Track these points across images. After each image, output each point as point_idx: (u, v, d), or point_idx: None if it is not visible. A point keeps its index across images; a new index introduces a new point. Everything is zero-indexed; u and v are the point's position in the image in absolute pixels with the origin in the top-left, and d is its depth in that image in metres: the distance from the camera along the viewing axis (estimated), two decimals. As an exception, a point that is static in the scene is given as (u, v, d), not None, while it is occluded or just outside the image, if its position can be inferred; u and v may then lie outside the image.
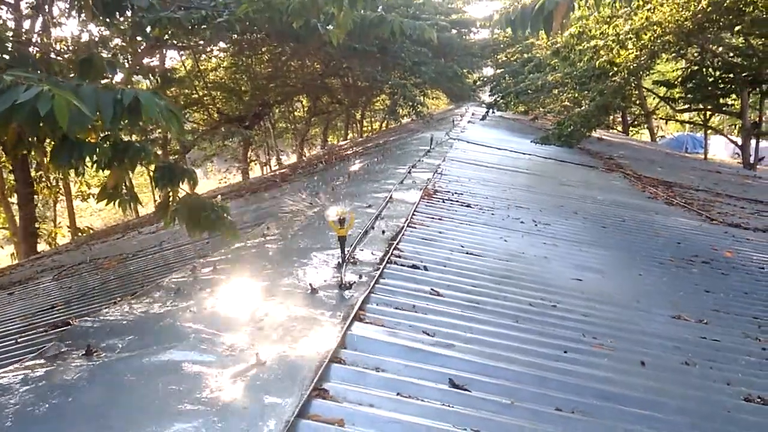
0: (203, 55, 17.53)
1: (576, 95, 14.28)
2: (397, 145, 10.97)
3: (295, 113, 27.00)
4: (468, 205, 5.13)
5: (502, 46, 21.25)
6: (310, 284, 2.80)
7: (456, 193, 5.59)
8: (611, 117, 23.87)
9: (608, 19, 10.71)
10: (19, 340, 2.92)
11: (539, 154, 10.67)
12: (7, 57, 3.09)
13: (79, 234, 15.99)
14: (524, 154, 10.26)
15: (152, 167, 3.13)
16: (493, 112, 15.22)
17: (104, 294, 3.76)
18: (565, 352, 2.46)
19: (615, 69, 11.51)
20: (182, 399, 1.77)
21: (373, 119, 31.66)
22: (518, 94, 14.00)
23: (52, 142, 2.62)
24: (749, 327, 3.08)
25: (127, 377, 1.94)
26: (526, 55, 16.49)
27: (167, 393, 1.80)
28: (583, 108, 12.09)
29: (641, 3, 9.78)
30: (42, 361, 2.19)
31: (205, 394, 1.80)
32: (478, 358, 2.27)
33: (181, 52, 16.74)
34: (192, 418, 1.65)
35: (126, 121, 2.22)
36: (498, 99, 14.94)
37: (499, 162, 8.64)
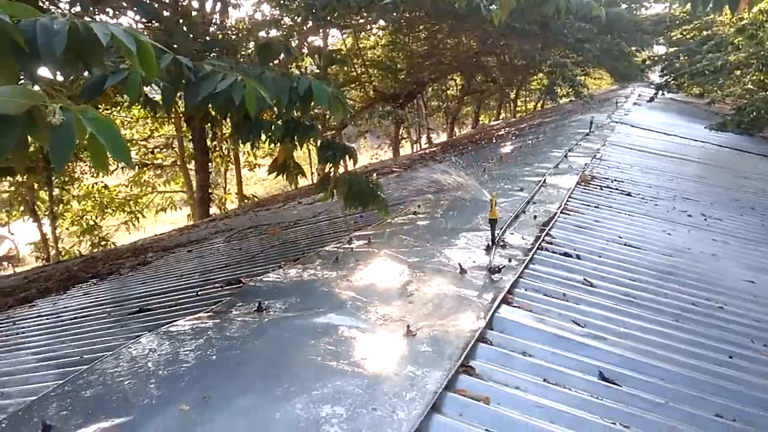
0: (363, 34, 18.11)
1: (762, 78, 12.76)
2: (554, 127, 10.59)
3: (448, 92, 27.00)
4: (628, 194, 4.85)
5: (677, 22, 19.50)
6: (459, 264, 2.85)
7: (615, 180, 5.31)
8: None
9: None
10: (199, 293, 3.30)
11: (713, 141, 9.75)
12: (201, 41, 3.45)
13: (245, 201, 17.45)
14: (696, 141, 9.43)
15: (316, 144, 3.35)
16: (662, 94, 14.14)
17: (270, 258, 4.10)
18: (731, 357, 2.29)
19: (813, 49, 10.12)
20: (339, 359, 1.91)
21: (528, 99, 30.77)
22: (693, 75, 12.83)
23: (232, 120, 2.89)
24: None
25: (292, 334, 2.13)
26: (705, 33, 15.02)
27: (326, 352, 1.96)
28: (769, 92, 10.79)
29: None
30: (219, 313, 2.47)
31: (360, 358, 1.93)
32: (632, 354, 2.19)
33: (343, 31, 17.42)
34: (348, 378, 1.79)
35: (298, 105, 2.41)
36: (669, 80, 13.83)
37: (666, 149, 8.03)
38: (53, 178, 14.82)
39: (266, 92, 2.21)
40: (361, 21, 12.87)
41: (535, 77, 23.18)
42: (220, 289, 3.29)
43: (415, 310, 2.36)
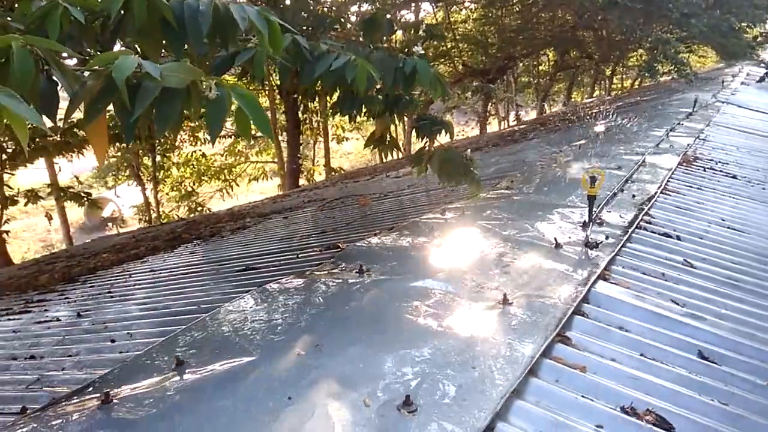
0: (454, 7, 17.88)
1: None
2: (653, 106, 10.13)
3: (540, 67, 26.24)
4: (733, 176, 4.64)
5: None
6: (555, 239, 2.87)
7: (720, 162, 5.08)
8: None
9: None
10: (299, 255, 3.50)
11: (833, 124, 9.01)
12: (309, 18, 3.59)
13: (333, 173, 17.87)
14: (812, 123, 8.76)
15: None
16: (775, 73, 13.15)
17: (363, 226, 4.26)
18: (840, 346, 2.20)
19: None
20: (438, 321, 2.01)
21: (624, 76, 29.38)
22: (812, 52, 11.85)
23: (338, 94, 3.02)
24: None
25: (392, 295, 2.26)
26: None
27: (426, 314, 2.07)
28: None
29: None
30: (322, 273, 2.64)
31: (458, 321, 2.02)
32: (732, 335, 2.16)
33: (435, 4, 17.28)
34: (447, 339, 1.89)
35: (402, 84, 2.50)
36: (784, 58, 12.83)
37: (776, 131, 7.53)
38: (156, 146, 15.81)
39: (375, 71, 2.31)
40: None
41: (634, 53, 22.08)
42: (319, 252, 3.47)
43: (511, 280, 2.42)
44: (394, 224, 3.83)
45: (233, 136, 17.71)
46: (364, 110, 3.13)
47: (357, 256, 2.86)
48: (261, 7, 1.78)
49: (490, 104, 23.96)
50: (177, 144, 16.97)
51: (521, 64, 23.92)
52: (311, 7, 3.85)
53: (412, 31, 5.53)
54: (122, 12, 1.63)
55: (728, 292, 2.60)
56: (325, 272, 2.60)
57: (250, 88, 16.47)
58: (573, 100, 27.46)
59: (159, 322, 2.89)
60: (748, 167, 5.12)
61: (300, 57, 2.35)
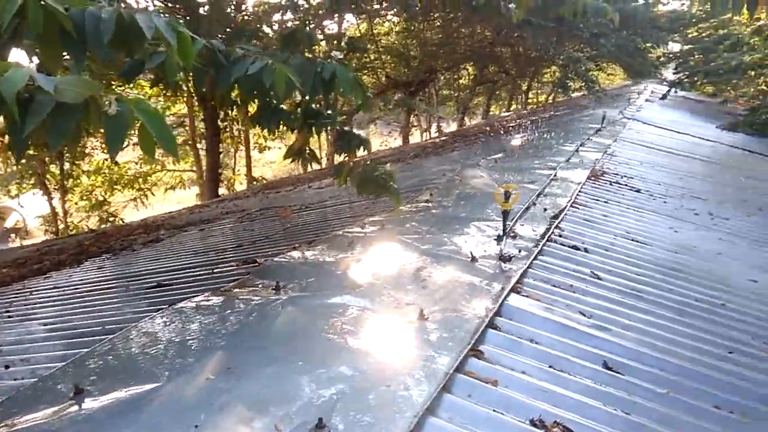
0: (377, 19, 18.06)
1: (778, 79, 12.72)
2: (565, 121, 10.61)
3: (460, 81, 26.93)
4: (638, 190, 4.91)
5: (693, 20, 19.35)
6: (470, 253, 2.93)
7: (625, 176, 5.37)
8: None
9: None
10: (214, 271, 3.39)
11: (724, 141, 9.76)
12: (227, 29, 3.51)
13: (254, 183, 17.55)
14: (707, 140, 9.44)
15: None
16: (675, 92, 14.11)
17: (283, 239, 4.19)
18: (731, 352, 2.36)
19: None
20: (355, 338, 2.00)
21: (540, 91, 30.63)
22: (708, 73, 12.83)
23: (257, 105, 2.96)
24: None
25: (309, 313, 2.22)
26: (721, 32, 14.92)
27: (342, 331, 2.05)
28: (784, 93, 10.76)
29: None
30: (238, 290, 2.56)
31: (374, 338, 2.01)
32: (636, 346, 2.27)
33: (358, 16, 17.38)
34: (362, 356, 1.87)
35: (321, 91, 2.48)
36: (683, 78, 13.79)
37: (676, 147, 8.06)
38: (64, 153, 14.97)
39: (294, 76, 2.28)
40: (377, 7, 12.87)
41: (548, 70, 23.08)
42: (235, 267, 3.38)
43: (428, 294, 2.44)
44: (314, 237, 3.79)
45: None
46: (282, 124, 3.09)
47: (274, 272, 2.81)
48: (171, 17, 1.71)
49: (412, 116, 24.32)
50: (88, 151, 16.16)
51: (442, 77, 24.44)
52: (229, 18, 3.77)
53: (335, 43, 5.53)
54: (17, 20, 1.53)
55: (632, 303, 2.73)
56: (241, 289, 2.53)
57: (167, 94, 15.95)
58: (492, 113, 28.35)
59: (61, 345, 2.71)
60: (650, 181, 5.44)
61: (215, 62, 2.28)
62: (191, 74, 2.24)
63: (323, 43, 7.03)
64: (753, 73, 12.99)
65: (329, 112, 3.34)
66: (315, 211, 5.53)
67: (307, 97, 2.66)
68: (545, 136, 8.49)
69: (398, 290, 2.46)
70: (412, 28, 18.02)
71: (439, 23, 17.18)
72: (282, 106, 3.04)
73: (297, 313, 2.23)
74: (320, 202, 6.31)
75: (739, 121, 10.93)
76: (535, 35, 12.29)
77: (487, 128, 14.86)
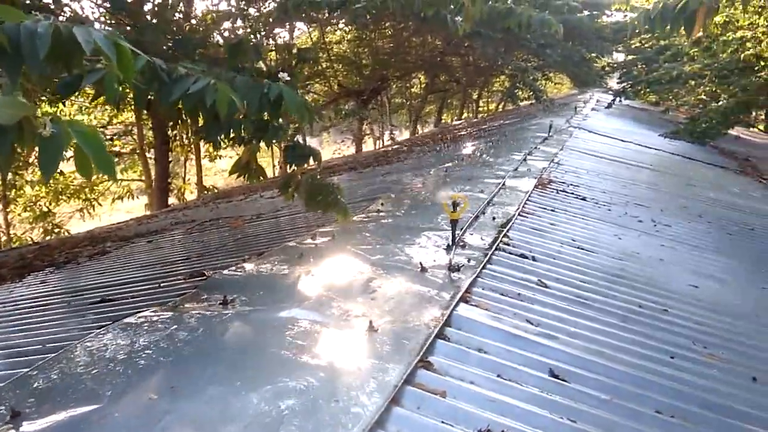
0: (329, 28, 18.04)
1: (715, 89, 13.31)
2: (514, 130, 10.82)
3: (412, 90, 27.17)
4: (583, 198, 5.04)
5: (637, 31, 20.05)
6: (420, 263, 2.94)
7: (572, 184, 5.50)
8: (753, 114, 21.97)
9: (759, 9, 9.86)
10: (161, 284, 3.31)
11: (667, 149, 10.13)
12: (171, 39, 3.44)
13: (205, 192, 17.23)
14: (650, 148, 9.78)
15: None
16: (620, 101, 14.58)
17: (232, 251, 4.12)
18: (672, 357, 2.44)
19: (762, 63, 10.60)
20: (303, 353, 1.97)
21: (490, 100, 31.18)
22: (650, 83, 13.30)
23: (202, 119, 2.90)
24: None
25: (256, 327, 2.19)
26: (662, 42, 15.53)
27: (290, 346, 2.02)
28: (721, 103, 11.26)
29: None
30: (184, 305, 2.50)
31: (323, 351, 1.99)
32: (581, 353, 2.31)
33: (310, 25, 17.33)
34: (311, 371, 1.85)
35: (267, 110, 2.46)
36: (627, 87, 14.27)
37: (621, 155, 8.32)
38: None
39: (237, 97, 2.25)
40: (327, 16, 12.87)
41: (497, 79, 23.54)
42: (183, 281, 3.30)
43: (377, 306, 2.44)
44: (264, 249, 3.74)
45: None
46: (231, 136, 3.05)
47: (223, 285, 2.76)
48: (110, 30, 1.67)
49: (365, 124, 24.38)
50: (31, 161, 15.55)
51: (394, 86, 24.61)
52: (174, 28, 3.70)
53: (285, 53, 5.49)
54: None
55: (578, 310, 2.79)
56: (187, 304, 2.47)
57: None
58: (444, 121, 28.69)
59: (-3, 365, 2.59)
60: (596, 189, 5.59)
61: (156, 79, 2.23)
62: (132, 91, 2.19)
63: (273, 52, 6.97)
64: (693, 82, 13.55)
65: (280, 122, 3.32)
66: (267, 221, 5.47)
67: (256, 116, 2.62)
68: (495, 144, 8.64)
69: (348, 302, 2.45)
70: (364, 36, 18.10)
71: (390, 32, 17.31)
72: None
73: (245, 328, 2.19)
74: (272, 211, 6.24)
75: (680, 129, 11.36)
76: (484, 46, 12.54)
77: (439, 136, 15.03)
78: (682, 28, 2.76)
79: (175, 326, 2.23)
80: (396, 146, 17.28)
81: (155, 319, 2.37)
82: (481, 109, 29.88)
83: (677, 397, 2.11)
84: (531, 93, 13.01)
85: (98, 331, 2.34)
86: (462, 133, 14.29)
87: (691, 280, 3.53)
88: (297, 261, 3.07)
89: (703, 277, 3.64)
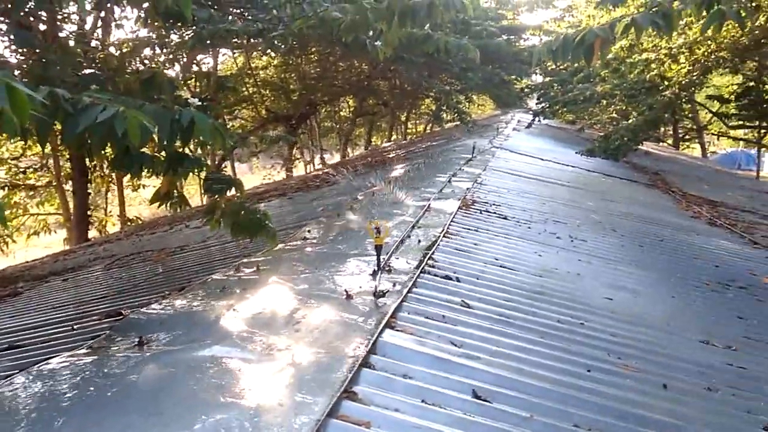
0: (255, 53, 17.96)
1: (625, 107, 14.09)
2: (439, 152, 11.05)
3: (341, 113, 27.35)
4: (505, 218, 5.19)
5: (542, 60, 20.98)
6: (346, 290, 2.95)
7: (494, 204, 5.66)
8: (662, 130, 23.40)
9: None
10: (75, 326, 3.15)
11: (583, 166, 10.60)
12: (79, 74, 3.33)
13: (129, 223, 16.60)
14: (568, 165, 10.22)
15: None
16: (539, 121, 15.17)
17: (153, 287, 3.99)
18: (589, 370, 2.53)
19: (666, 83, 11.33)
20: (224, 392, 1.92)
21: (418, 122, 31.76)
22: (566, 103, 13.94)
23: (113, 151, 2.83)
24: (780, 356, 3.08)
25: (174, 369, 2.11)
26: (575, 65, 16.33)
27: (210, 386, 1.97)
28: (631, 121, 11.92)
29: (693, 20, 9.61)
30: (98, 348, 2.40)
31: (244, 389, 1.95)
32: (503, 372, 2.37)
33: (234, 51, 17.20)
34: (231, 410, 1.81)
35: (179, 138, 2.42)
36: (545, 107, 14.89)
37: (541, 173, 8.64)
38: None
39: (150, 122, 2.20)
40: (264, 45, 12.81)
41: (423, 102, 24.04)
42: (98, 322, 3.16)
43: (302, 338, 2.41)
44: (186, 283, 3.64)
45: (5, 187, 15.69)
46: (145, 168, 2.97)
47: (140, 325, 2.66)
48: (5, 71, 1.60)
49: (295, 149, 24.28)
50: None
51: (323, 110, 24.70)
52: (89, 57, 3.59)
53: (205, 80, 5.42)
54: None
55: (500, 328, 2.85)
56: (99, 348, 2.37)
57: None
58: (374, 143, 28.97)
59: None
60: (517, 208, 5.78)
61: (60, 111, 2.15)
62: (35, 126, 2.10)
63: (192, 80, 6.86)
64: (605, 102, 14.29)
65: (196, 154, 3.27)
66: (191, 253, 5.33)
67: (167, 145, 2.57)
68: (421, 166, 8.79)
69: (271, 336, 2.42)
70: (291, 62, 18.12)
71: (316, 57, 17.41)
72: (144, 149, 2.93)
73: (161, 370, 2.12)
74: (198, 242, 6.09)
75: (594, 147, 11.92)
76: (408, 70, 12.83)
77: (369, 159, 15.16)
78: (582, 58, 2.94)
79: (87, 372, 2.13)
80: (326, 170, 17.28)
81: (66, 365, 2.25)
82: (409, 130, 30.37)
83: (594, 410, 2.19)
84: (455, 115, 13.37)
85: (3, 381, 2.20)
86: (391, 155, 14.47)
87: (607, 292, 3.69)
88: (219, 295, 3.00)
89: (617, 289, 3.81)
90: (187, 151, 3.16)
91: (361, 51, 4.64)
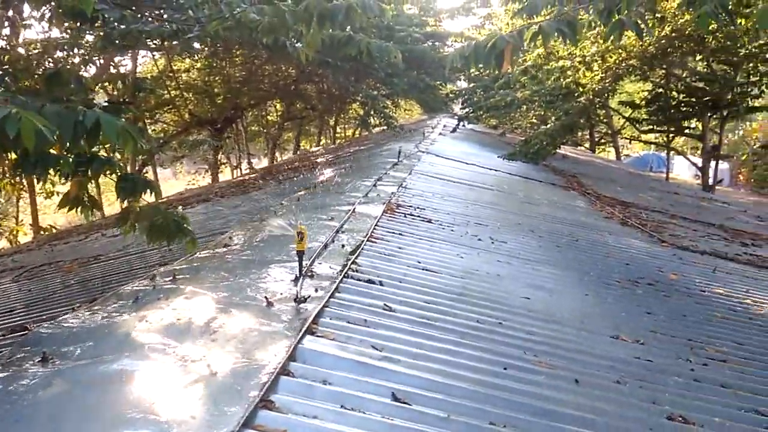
0: (177, 55, 17.45)
1: (543, 113, 14.65)
2: (367, 156, 11.10)
3: (268, 117, 27.00)
4: (429, 221, 5.27)
5: (456, 66, 21.50)
6: (266, 297, 2.90)
7: (418, 207, 5.73)
8: (579, 134, 24.46)
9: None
10: (-25, 343, 2.95)
11: (505, 169, 10.92)
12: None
13: (42, 233, 15.71)
14: (491, 169, 10.49)
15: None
16: (464, 125, 15.52)
17: (64, 299, 3.79)
18: (506, 368, 2.60)
19: (581, 89, 11.86)
20: (133, 408, 1.85)
21: (347, 126, 31.78)
22: (489, 108, 14.35)
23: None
24: (682, 349, 3.27)
25: (80, 385, 2.01)
26: (496, 71, 16.83)
27: (119, 402, 1.88)
28: (549, 126, 12.41)
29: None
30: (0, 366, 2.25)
31: (155, 404, 1.88)
32: (423, 373, 2.39)
33: (155, 53, 16.65)
34: (141, 426, 1.74)
35: (84, 141, 2.31)
36: (469, 112, 15.26)
37: (465, 177, 8.83)
38: None
39: (48, 126, 2.08)
40: (179, 46, 12.43)
41: (351, 107, 24.08)
42: (1, 338, 2.97)
43: (219, 347, 2.35)
44: (98, 294, 3.48)
45: None
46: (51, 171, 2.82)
47: (46, 340, 2.51)
48: None
49: (221, 153, 23.74)
50: None
51: (250, 114, 24.30)
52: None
53: (119, 84, 5.22)
54: None
55: (422, 331, 2.88)
56: (1, 364, 2.22)
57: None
58: (302, 148, 28.76)
59: None
60: (441, 211, 5.88)
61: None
62: None
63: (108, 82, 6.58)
64: (525, 107, 14.81)
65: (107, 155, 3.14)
66: (106, 263, 5.11)
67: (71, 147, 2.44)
68: (348, 171, 8.80)
69: (186, 346, 2.34)
70: (214, 65, 17.72)
71: (241, 60, 17.12)
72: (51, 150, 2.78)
73: (66, 386, 2.01)
74: (114, 251, 5.84)
75: (515, 151, 12.31)
76: (335, 74, 12.83)
77: (297, 164, 15.03)
78: (493, 64, 3.03)
79: (-17, 393, 1.99)
80: (253, 175, 17.00)
81: (-40, 386, 2.10)
82: (338, 135, 30.34)
83: (509, 407, 2.25)
84: (383, 119, 13.47)
85: None
86: (319, 159, 14.41)
87: (525, 292, 3.81)
88: (132, 306, 2.88)
89: (535, 288, 3.94)
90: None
91: (283, 53, 4.59)
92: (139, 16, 4.21)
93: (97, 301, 3.11)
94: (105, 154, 3.18)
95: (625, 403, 2.48)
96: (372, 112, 13.00)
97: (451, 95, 20.77)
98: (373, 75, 13.42)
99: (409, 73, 14.87)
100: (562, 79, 11.86)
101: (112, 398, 1.91)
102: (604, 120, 25.85)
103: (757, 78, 16.80)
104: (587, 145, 27.35)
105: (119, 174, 3.23)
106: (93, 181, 3.19)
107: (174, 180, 28.13)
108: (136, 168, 15.90)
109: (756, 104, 17.85)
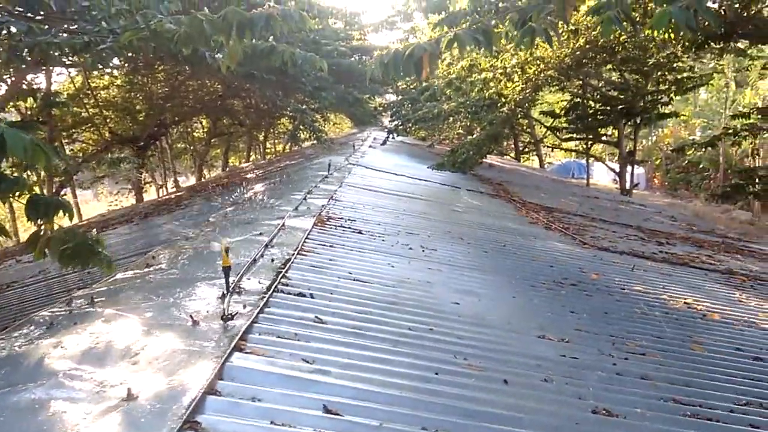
0: (95, 72, 16.78)
1: (469, 124, 15.01)
2: (296, 171, 11.02)
3: (194, 134, 26.37)
4: (360, 232, 5.27)
5: (377, 74, 21.84)
6: (191, 316, 2.81)
7: (349, 219, 5.73)
8: (504, 143, 25.21)
9: (496, 53, 11.40)
10: None
11: (435, 180, 11.09)
12: None
13: (-51, 261, 14.67)
14: (421, 180, 10.63)
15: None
16: (393, 137, 15.68)
17: (-30, 330, 3.53)
18: (437, 373, 2.62)
19: (503, 100, 12.24)
20: (45, 439, 1.74)
21: (276, 141, 31.47)
22: (417, 120, 14.57)
23: None
24: (605, 345, 3.39)
25: (-14, 419, 1.88)
26: (423, 84, 17.12)
27: (29, 434, 1.77)
28: (475, 136, 12.72)
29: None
30: None
31: (71, 433, 1.78)
32: (354, 384, 2.37)
33: (70, 70, 15.95)
34: (54, 459, 1.64)
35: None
36: (398, 125, 15.44)
37: (395, 188, 8.90)
38: None
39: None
40: (91, 59, 11.93)
41: (281, 121, 23.89)
42: None
43: (141, 370, 2.26)
44: (10, 323, 3.27)
45: None
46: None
47: (-53, 374, 2.33)
48: None
49: (145, 172, 22.95)
50: None
51: (175, 131, 23.66)
52: None
53: (29, 101, 4.95)
54: None
55: (354, 341, 2.87)
56: None
57: None
58: (231, 164, 28.24)
59: None
60: (372, 222, 5.89)
61: None
62: None
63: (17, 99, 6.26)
64: (451, 119, 15.12)
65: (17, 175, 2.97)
66: (19, 290, 4.81)
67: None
68: (277, 185, 8.69)
69: (105, 371, 2.23)
70: (135, 81, 17.17)
71: (163, 76, 16.67)
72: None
73: (-31, 422, 1.87)
74: (30, 277, 5.52)
75: (443, 161, 12.53)
76: (262, 88, 12.67)
77: (225, 180, 14.72)
78: (412, 72, 3.08)
79: None
80: (180, 193, 16.52)
81: None
82: (268, 150, 29.99)
83: (441, 412, 2.26)
84: (312, 133, 13.41)
85: None
86: (249, 175, 14.18)
87: (455, 297, 3.86)
88: (45, 332, 2.72)
89: (464, 293, 4.00)
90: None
91: (203, 65, 4.49)
92: (47, 27, 4.01)
93: (9, 328, 2.92)
94: (14, 174, 3.02)
95: (552, 400, 2.55)
96: (301, 126, 12.91)
97: (380, 108, 21.00)
98: (300, 89, 13.36)
99: (337, 86, 14.91)
100: (485, 91, 12.20)
101: (24, 428, 1.79)
102: (527, 129, 26.81)
103: (666, 86, 17.90)
104: (512, 154, 28.22)
105: (29, 195, 3.06)
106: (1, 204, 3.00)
107: (96, 202, 26.98)
108: (54, 190, 15.11)
109: (666, 111, 18.94)
